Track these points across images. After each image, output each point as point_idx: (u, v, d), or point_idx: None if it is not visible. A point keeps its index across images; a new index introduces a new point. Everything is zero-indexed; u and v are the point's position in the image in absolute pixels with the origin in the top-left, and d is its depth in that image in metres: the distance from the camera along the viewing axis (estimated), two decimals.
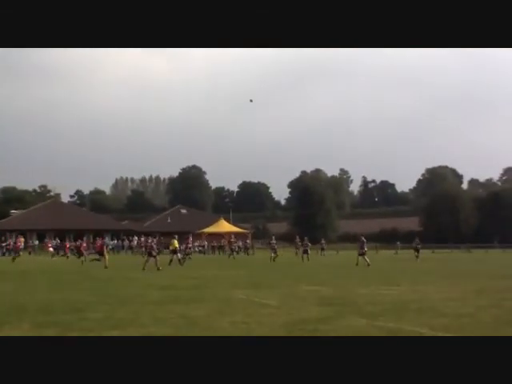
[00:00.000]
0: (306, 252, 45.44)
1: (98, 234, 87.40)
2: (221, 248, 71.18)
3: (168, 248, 41.66)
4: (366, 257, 36.94)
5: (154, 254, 33.48)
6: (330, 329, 10.50)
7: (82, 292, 18.04)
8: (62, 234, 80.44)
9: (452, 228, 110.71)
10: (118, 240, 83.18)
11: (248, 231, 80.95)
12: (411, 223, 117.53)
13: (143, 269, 31.36)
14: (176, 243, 38.53)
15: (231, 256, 52.57)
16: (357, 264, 36.47)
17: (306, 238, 48.23)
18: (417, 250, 46.85)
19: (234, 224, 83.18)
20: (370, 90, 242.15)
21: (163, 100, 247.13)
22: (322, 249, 64.37)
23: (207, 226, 73.14)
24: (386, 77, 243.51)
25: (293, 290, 18.40)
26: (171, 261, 37.23)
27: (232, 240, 56.17)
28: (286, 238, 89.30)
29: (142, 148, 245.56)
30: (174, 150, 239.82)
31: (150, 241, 36.23)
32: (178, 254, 39.00)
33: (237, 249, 63.59)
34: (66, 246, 59.25)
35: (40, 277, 26.44)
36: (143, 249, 51.96)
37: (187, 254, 46.64)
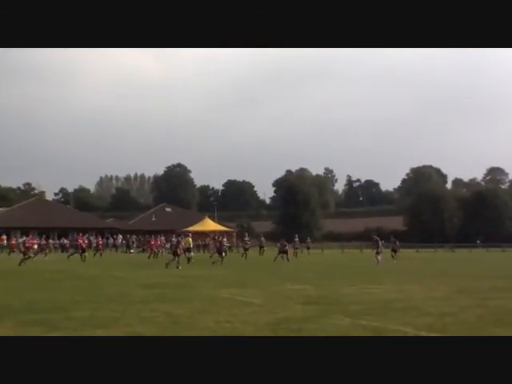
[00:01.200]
0: (284, 252, 43.78)
1: (83, 232, 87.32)
2: (205, 247, 70.98)
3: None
4: (378, 256, 37.10)
5: (179, 252, 33.47)
6: (315, 328, 10.55)
7: (67, 291, 18.00)
8: (46, 232, 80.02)
9: (436, 227, 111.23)
10: (102, 238, 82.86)
11: (233, 230, 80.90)
12: (396, 222, 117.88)
13: (177, 267, 31.67)
14: (190, 241, 38.60)
15: (244, 255, 48.69)
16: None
17: (262, 236, 47.47)
18: (394, 250, 42.54)
19: (219, 223, 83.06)
20: (355, 90, 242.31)
21: (149, 99, 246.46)
22: (308, 248, 64.34)
23: (192, 225, 73.04)
24: (371, 77, 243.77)
25: (278, 289, 18.45)
26: (189, 259, 37.44)
27: (246, 239, 54.16)
28: (271, 237, 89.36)
29: (126, 146, 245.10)
30: (158, 148, 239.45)
31: (174, 239, 35.90)
32: (191, 253, 38.94)
33: (225, 248, 62.95)
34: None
35: (25, 276, 26.32)
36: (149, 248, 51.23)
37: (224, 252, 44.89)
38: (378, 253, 37.62)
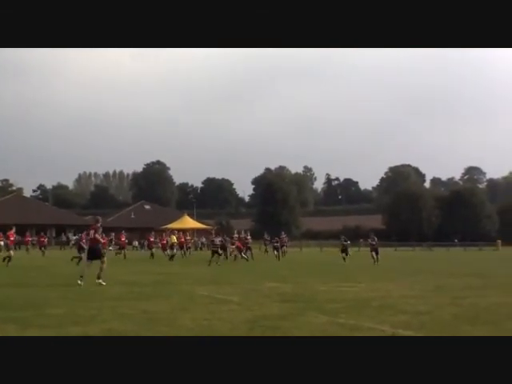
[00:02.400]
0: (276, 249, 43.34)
1: (61, 228, 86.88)
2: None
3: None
4: (344, 255, 37.69)
5: (219, 251, 33.97)
6: (291, 325, 10.56)
7: (42, 288, 17.88)
8: (24, 229, 79.55)
9: (414, 226, 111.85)
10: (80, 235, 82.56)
11: (211, 227, 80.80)
12: (374, 221, 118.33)
13: (209, 263, 32.36)
14: (174, 238, 38.51)
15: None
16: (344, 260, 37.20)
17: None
18: (375, 250, 36.64)
19: (198, 220, 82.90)
20: (335, 90, 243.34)
21: (128, 96, 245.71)
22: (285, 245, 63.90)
23: (171, 222, 72.79)
24: (352, 77, 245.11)
25: (255, 287, 18.45)
26: (172, 256, 37.58)
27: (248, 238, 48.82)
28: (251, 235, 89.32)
29: (105, 143, 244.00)
30: (137, 145, 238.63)
31: (217, 238, 35.26)
32: (175, 250, 38.93)
33: (200, 245, 62.47)
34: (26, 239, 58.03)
35: None
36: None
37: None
38: (343, 251, 38.38)
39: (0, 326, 10.22)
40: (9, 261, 30.04)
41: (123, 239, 46.47)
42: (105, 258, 19.71)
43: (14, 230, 33.53)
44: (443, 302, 14.61)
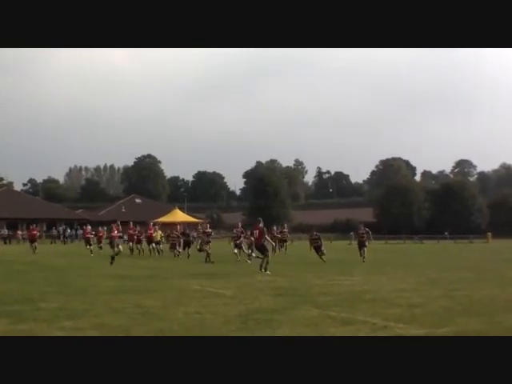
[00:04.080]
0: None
1: (52, 222, 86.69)
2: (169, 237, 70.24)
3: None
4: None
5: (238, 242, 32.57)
6: (284, 319, 10.62)
7: (36, 282, 17.90)
8: (14, 223, 79.50)
9: (405, 219, 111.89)
10: (71, 229, 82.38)
11: (203, 221, 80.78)
12: (365, 214, 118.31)
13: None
14: (160, 233, 38.57)
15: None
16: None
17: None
18: (362, 243, 31.89)
19: (189, 214, 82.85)
20: (324, 84, 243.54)
21: (119, 90, 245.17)
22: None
23: (162, 216, 72.74)
24: (344, 72, 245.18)
25: (248, 281, 18.50)
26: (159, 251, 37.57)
27: (284, 230, 46.52)
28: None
29: (96, 136, 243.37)
30: (128, 139, 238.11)
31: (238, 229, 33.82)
32: (161, 245, 38.82)
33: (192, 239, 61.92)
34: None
35: None
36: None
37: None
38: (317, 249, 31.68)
39: None
40: (117, 254, 29.03)
41: (132, 232, 44.47)
42: (268, 252, 22.44)
43: (117, 222, 32.85)
44: (436, 294, 14.69)
